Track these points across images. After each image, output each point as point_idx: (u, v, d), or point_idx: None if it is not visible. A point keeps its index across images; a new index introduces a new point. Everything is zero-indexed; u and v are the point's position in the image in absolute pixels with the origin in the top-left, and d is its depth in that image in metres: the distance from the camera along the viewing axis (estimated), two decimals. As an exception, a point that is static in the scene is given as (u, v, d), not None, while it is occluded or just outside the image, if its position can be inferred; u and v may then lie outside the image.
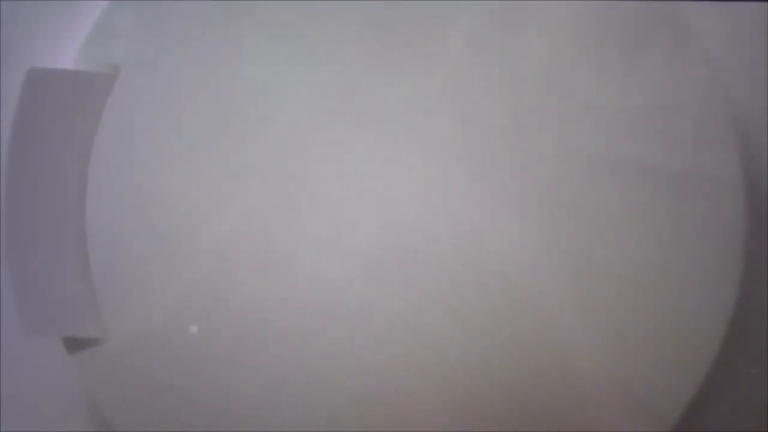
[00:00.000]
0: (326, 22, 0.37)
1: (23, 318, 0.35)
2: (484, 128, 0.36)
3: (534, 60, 0.36)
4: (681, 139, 0.36)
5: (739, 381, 0.37)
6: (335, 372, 0.36)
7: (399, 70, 0.37)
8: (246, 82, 0.37)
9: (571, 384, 0.35)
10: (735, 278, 0.35)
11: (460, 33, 0.36)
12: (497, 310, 0.35)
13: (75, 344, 0.36)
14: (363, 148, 0.37)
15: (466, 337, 0.35)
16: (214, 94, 0.37)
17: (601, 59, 0.36)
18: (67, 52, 0.37)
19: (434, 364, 0.35)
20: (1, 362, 0.38)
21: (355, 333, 0.36)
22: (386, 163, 0.36)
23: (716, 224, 0.35)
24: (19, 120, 0.36)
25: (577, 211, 0.36)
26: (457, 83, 0.36)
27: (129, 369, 0.36)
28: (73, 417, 0.38)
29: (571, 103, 0.36)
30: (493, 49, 0.36)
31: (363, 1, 0.37)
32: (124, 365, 0.36)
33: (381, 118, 0.37)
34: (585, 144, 0.36)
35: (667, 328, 0.35)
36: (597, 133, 0.36)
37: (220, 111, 0.37)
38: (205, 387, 0.36)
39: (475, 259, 0.36)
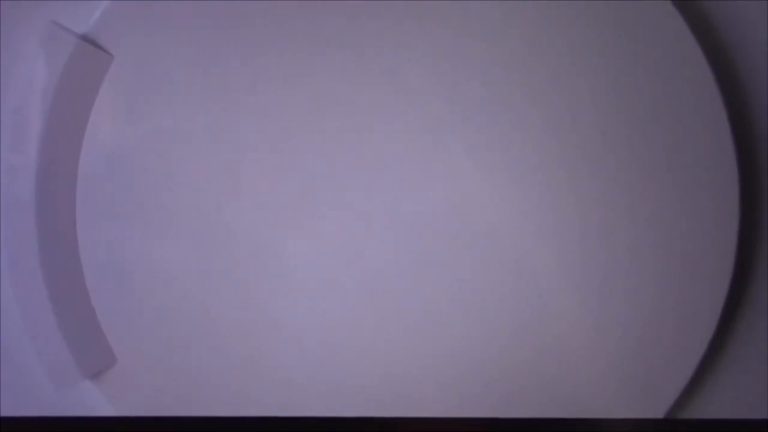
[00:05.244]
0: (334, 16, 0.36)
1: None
2: (487, 129, 0.36)
3: (535, 60, 0.36)
4: (678, 137, 0.36)
5: (731, 372, 0.38)
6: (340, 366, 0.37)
7: (401, 73, 0.37)
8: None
9: (573, 373, 0.37)
10: (727, 271, 0.36)
11: (464, 33, 0.36)
12: (502, 301, 0.37)
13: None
14: (372, 147, 0.37)
15: (474, 330, 0.37)
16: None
17: (602, 57, 0.36)
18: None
19: (446, 361, 0.37)
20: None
21: (368, 329, 0.37)
22: (396, 164, 0.37)
23: (711, 220, 0.36)
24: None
25: (580, 208, 0.36)
26: (458, 82, 0.36)
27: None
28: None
29: (572, 102, 0.36)
30: (496, 49, 0.36)
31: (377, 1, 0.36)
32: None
33: (386, 119, 0.37)
34: (586, 143, 0.36)
35: (662, 318, 0.37)
36: (597, 131, 0.36)
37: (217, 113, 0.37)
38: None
39: (481, 254, 0.37)
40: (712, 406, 0.38)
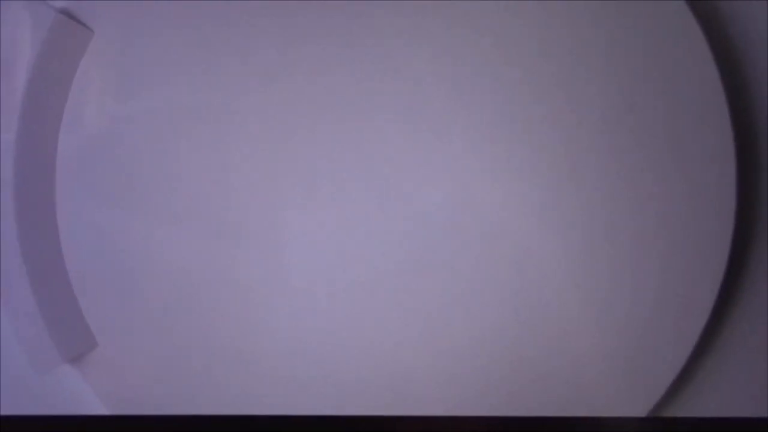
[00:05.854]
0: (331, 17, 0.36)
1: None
2: (490, 126, 0.36)
3: (541, 56, 0.35)
4: (680, 135, 0.35)
5: (719, 369, 0.37)
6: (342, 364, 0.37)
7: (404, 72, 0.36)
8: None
9: (573, 371, 0.36)
10: (720, 271, 0.35)
11: (468, 29, 0.35)
12: (502, 299, 0.36)
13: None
14: (374, 144, 0.36)
15: (474, 329, 0.36)
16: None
17: (607, 55, 0.35)
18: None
19: (445, 360, 0.36)
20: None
21: (371, 326, 0.37)
22: (399, 161, 0.36)
23: (707, 220, 0.35)
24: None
25: (581, 206, 0.36)
26: (462, 79, 0.36)
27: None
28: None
29: (576, 99, 0.35)
30: (502, 46, 0.36)
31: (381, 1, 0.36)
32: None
33: (391, 117, 0.36)
34: (588, 140, 0.35)
35: (657, 317, 0.36)
36: (600, 129, 0.35)
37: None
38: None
39: (482, 252, 0.36)
40: (698, 404, 0.37)
